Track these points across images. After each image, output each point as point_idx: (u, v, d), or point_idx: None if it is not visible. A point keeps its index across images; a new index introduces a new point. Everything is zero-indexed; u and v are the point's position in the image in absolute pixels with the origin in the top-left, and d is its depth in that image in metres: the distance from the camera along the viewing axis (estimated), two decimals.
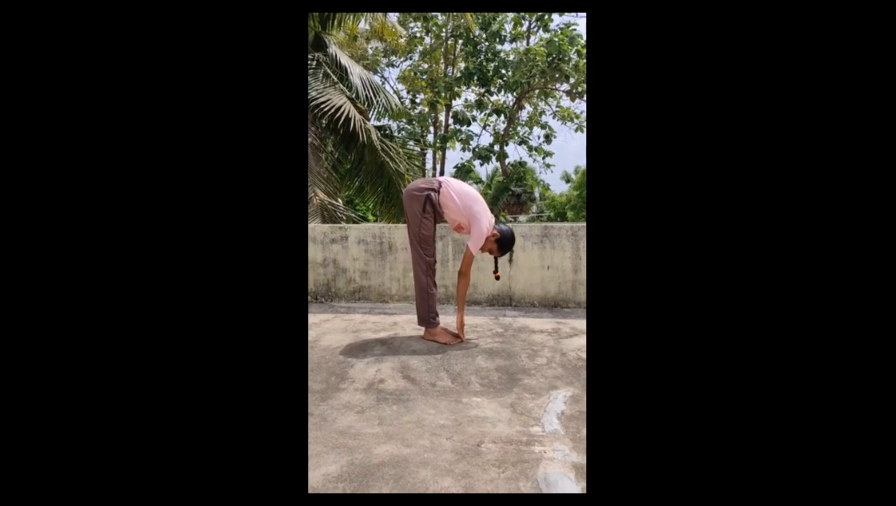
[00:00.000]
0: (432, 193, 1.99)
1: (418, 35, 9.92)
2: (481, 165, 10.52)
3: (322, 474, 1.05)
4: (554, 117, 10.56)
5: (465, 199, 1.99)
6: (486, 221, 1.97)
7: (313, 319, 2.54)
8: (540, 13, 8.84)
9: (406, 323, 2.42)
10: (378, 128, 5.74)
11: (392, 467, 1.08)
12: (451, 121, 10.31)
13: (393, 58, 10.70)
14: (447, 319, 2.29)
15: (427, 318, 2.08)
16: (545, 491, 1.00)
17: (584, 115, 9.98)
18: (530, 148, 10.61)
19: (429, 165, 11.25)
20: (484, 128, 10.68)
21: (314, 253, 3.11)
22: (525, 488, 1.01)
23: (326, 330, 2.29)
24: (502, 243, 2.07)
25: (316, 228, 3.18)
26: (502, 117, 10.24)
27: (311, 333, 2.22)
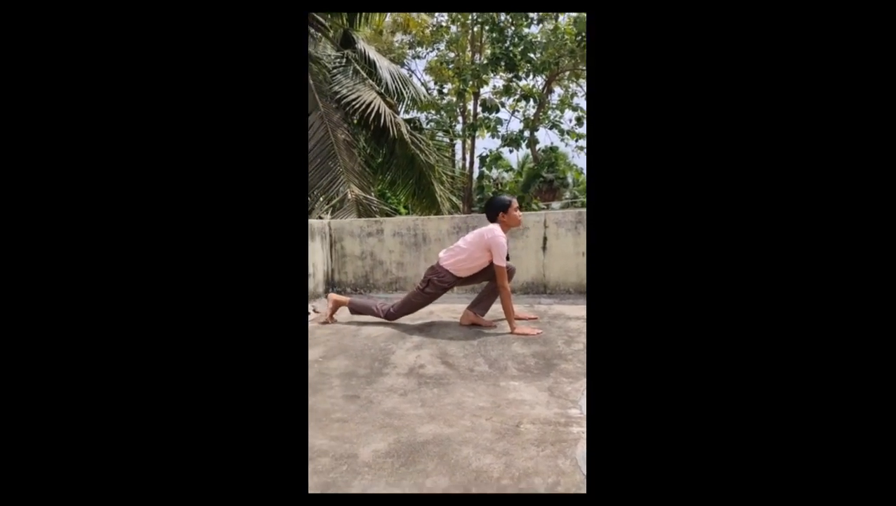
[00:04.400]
0: (433, 277, 2.20)
1: (444, 24, 9.85)
2: (510, 151, 10.39)
3: (372, 451, 1.14)
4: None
5: (470, 245, 2.14)
6: (497, 235, 2.07)
7: None
8: None
9: (442, 311, 2.48)
10: (407, 121, 5.81)
11: (436, 445, 1.15)
12: (479, 109, 10.21)
13: (419, 49, 10.70)
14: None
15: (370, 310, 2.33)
16: (584, 470, 1.03)
17: None
18: (562, 132, 10.35)
19: (458, 156, 11.23)
20: (513, 114, 10.51)
21: (352, 246, 3.23)
22: (564, 465, 1.05)
23: (367, 320, 2.40)
24: (510, 206, 2.15)
25: (353, 222, 3.31)
26: (531, 102, 10.02)
27: (353, 324, 2.34)
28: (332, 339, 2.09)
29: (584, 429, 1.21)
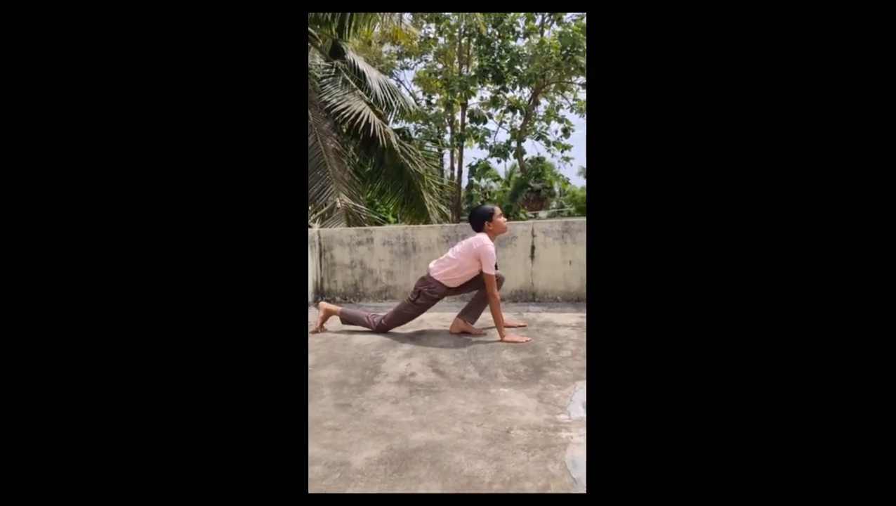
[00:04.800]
0: (423, 289, 2.23)
1: (432, 36, 10.01)
2: (498, 162, 10.55)
3: (364, 459, 1.14)
4: (571, 111, 10.46)
5: (460, 256, 2.17)
6: (485, 244, 2.12)
7: None
8: None
9: (432, 320, 2.50)
10: (396, 131, 5.87)
11: (428, 452, 1.16)
12: (467, 119, 10.36)
13: (407, 60, 10.84)
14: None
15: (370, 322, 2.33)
16: (573, 473, 1.06)
17: None
18: (548, 143, 10.55)
19: (447, 165, 11.34)
20: (500, 125, 10.68)
21: (342, 255, 3.23)
22: (554, 469, 1.07)
23: (357, 329, 2.40)
24: (494, 214, 2.20)
25: (343, 231, 3.31)
26: (518, 114, 10.21)
27: (343, 333, 2.34)
28: (322, 348, 2.08)
29: (573, 434, 1.24)
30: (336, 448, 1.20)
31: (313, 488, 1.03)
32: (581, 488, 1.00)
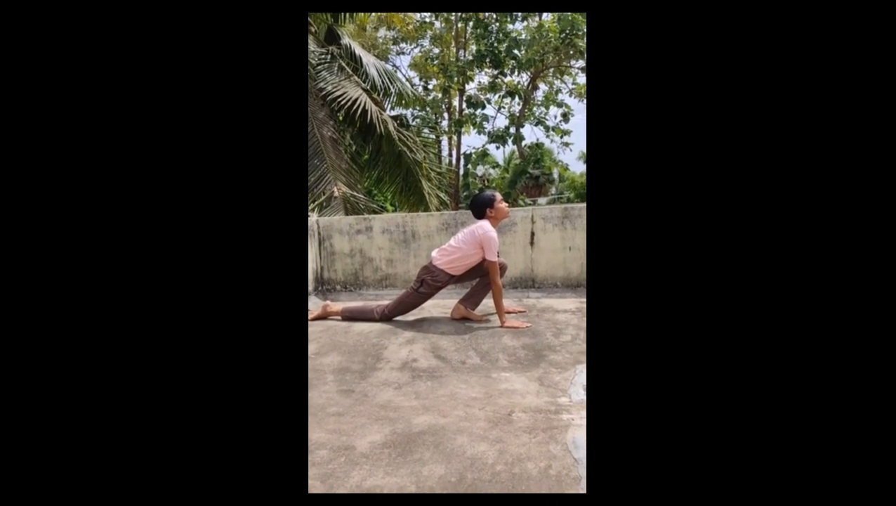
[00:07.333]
0: (426, 277, 2.23)
1: (428, 20, 9.83)
2: (497, 148, 10.46)
3: (368, 442, 1.16)
4: (570, 95, 10.34)
5: (463, 244, 2.17)
6: (488, 231, 2.12)
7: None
8: None
9: (433, 307, 2.51)
10: (394, 118, 5.80)
11: (431, 435, 1.18)
12: (464, 105, 10.23)
13: (403, 45, 10.65)
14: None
15: (374, 313, 2.30)
16: (574, 454, 1.08)
17: None
18: (547, 128, 10.45)
19: (444, 152, 11.25)
20: (499, 110, 10.56)
21: (341, 244, 3.23)
22: (555, 450, 1.09)
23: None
24: (495, 201, 2.20)
25: (341, 220, 3.30)
26: (517, 99, 10.09)
27: (345, 321, 2.35)
28: (324, 336, 2.10)
29: (574, 416, 1.26)
30: (340, 433, 1.22)
31: (319, 471, 1.05)
32: (582, 468, 1.02)
